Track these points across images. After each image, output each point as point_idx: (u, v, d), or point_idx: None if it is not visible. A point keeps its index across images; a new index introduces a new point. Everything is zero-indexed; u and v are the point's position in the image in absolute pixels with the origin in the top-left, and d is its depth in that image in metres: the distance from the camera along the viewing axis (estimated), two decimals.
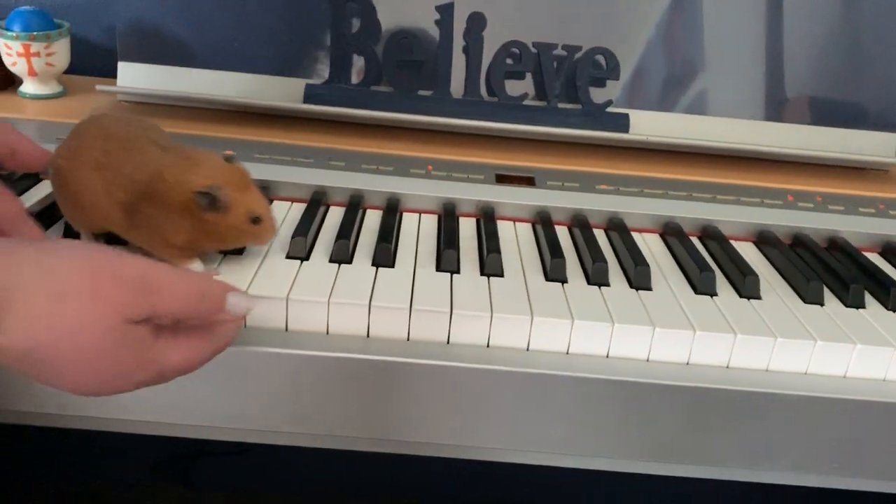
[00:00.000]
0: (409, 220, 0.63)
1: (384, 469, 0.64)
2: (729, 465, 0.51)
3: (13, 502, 0.69)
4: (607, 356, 0.50)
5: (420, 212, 0.65)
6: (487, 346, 0.50)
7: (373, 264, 0.54)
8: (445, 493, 0.67)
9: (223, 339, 0.42)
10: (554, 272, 0.55)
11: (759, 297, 0.55)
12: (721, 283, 0.57)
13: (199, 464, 0.68)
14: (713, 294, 0.55)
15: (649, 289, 0.55)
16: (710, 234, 0.64)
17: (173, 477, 0.68)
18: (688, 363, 0.50)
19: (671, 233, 0.64)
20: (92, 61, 0.81)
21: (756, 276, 0.56)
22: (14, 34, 0.74)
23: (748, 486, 0.56)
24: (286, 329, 0.49)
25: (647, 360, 0.50)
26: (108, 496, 0.69)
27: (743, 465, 0.51)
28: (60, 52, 0.77)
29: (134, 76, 0.74)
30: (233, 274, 0.50)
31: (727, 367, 0.50)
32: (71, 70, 0.79)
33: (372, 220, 0.61)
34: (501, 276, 0.54)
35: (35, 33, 0.74)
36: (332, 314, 0.48)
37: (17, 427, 0.55)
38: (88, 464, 0.69)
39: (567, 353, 0.50)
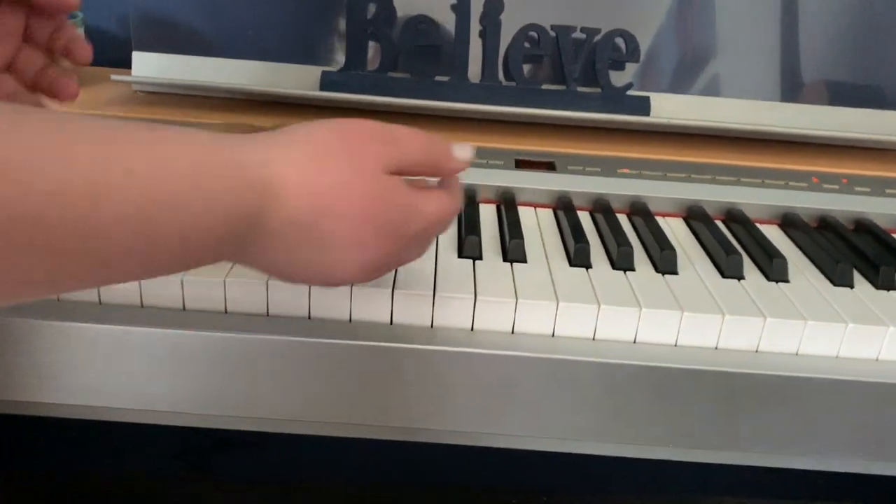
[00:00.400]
0: None
1: (406, 458, 0.64)
2: (758, 450, 0.51)
3: (34, 494, 0.69)
4: (634, 342, 0.49)
5: None
6: (512, 332, 0.49)
7: None
8: (469, 482, 0.66)
9: (456, 194, 0.43)
10: (578, 257, 0.54)
11: (787, 280, 0.54)
12: (748, 266, 0.56)
13: (221, 454, 0.68)
14: (740, 278, 0.54)
15: (675, 273, 0.54)
16: (735, 218, 0.63)
17: (195, 467, 0.68)
18: (716, 348, 0.49)
19: (695, 216, 0.63)
20: (106, 51, 0.80)
21: (784, 258, 0.55)
22: None
23: (778, 472, 0.56)
24: (309, 317, 0.48)
25: (675, 345, 0.49)
26: (129, 486, 0.69)
27: (773, 450, 0.50)
28: None
29: (149, 66, 0.73)
30: None
31: (756, 351, 0.49)
32: None
33: None
34: (524, 261, 0.54)
35: None
36: (355, 301, 0.48)
37: (38, 419, 0.55)
38: (109, 455, 0.69)
39: (593, 338, 0.49)
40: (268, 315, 0.48)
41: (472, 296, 0.48)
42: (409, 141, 0.40)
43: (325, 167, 0.36)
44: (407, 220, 0.39)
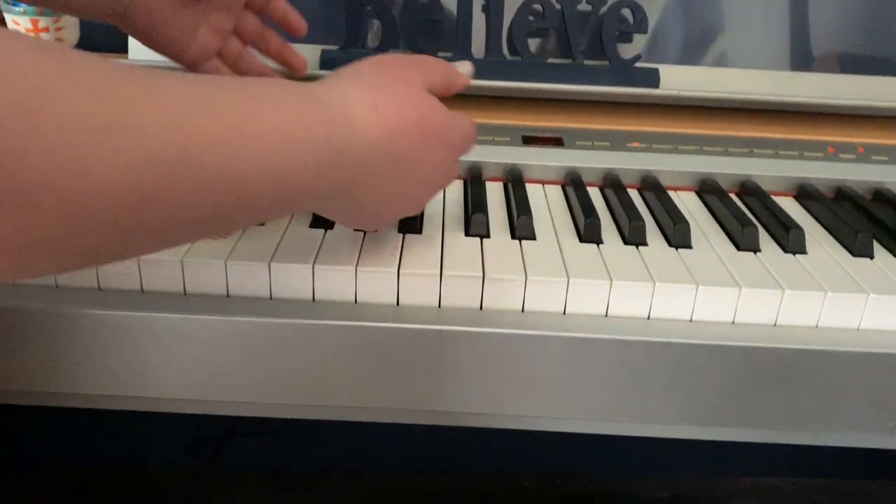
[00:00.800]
0: None
1: (418, 443, 0.63)
2: (778, 427, 0.49)
3: (42, 486, 0.68)
4: (648, 318, 0.48)
5: None
6: (522, 310, 0.48)
7: (399, 231, 0.52)
8: (480, 466, 0.65)
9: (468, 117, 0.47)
10: (588, 233, 0.52)
11: (804, 252, 0.53)
12: (764, 239, 0.54)
13: (232, 443, 0.67)
14: (756, 250, 0.53)
15: (689, 247, 0.52)
16: (749, 190, 0.62)
17: (206, 457, 0.67)
18: (733, 322, 0.48)
19: (708, 190, 0.61)
20: (102, 36, 0.79)
21: (801, 229, 0.53)
22: (21, 9, 0.72)
23: (799, 449, 0.54)
24: (313, 300, 0.47)
25: (691, 321, 0.48)
26: (139, 479, 0.69)
27: (793, 427, 0.49)
28: (69, 27, 0.75)
29: (145, 49, 0.72)
30: (255, 244, 0.48)
31: (775, 324, 0.48)
32: (80, 45, 0.77)
33: None
34: (533, 238, 0.52)
35: (43, 8, 0.72)
36: (360, 282, 0.47)
37: (45, 409, 0.54)
38: (119, 448, 0.68)
39: (606, 315, 0.48)
40: (271, 298, 0.47)
41: (481, 274, 0.47)
42: (430, 63, 0.45)
43: (383, 94, 0.40)
44: (451, 130, 0.44)
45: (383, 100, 0.40)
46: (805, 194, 0.62)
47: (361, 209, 0.42)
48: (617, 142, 0.66)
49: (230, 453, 0.67)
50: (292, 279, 0.47)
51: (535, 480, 0.65)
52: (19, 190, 0.25)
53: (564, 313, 0.48)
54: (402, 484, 0.66)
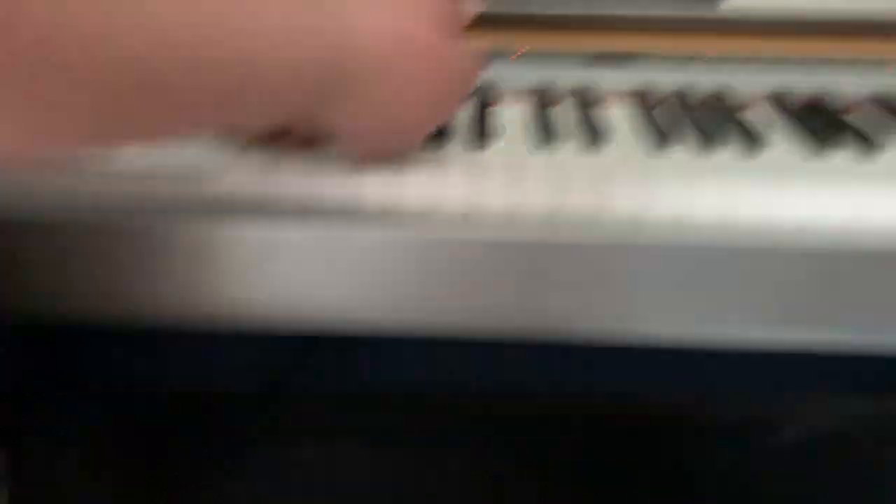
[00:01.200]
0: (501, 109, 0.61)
1: (496, 361, 0.63)
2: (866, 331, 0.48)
3: (107, 407, 0.68)
4: (726, 222, 0.47)
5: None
6: (602, 221, 0.47)
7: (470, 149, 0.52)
8: (560, 383, 0.65)
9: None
10: (661, 141, 0.52)
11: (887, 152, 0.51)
12: (843, 142, 0.53)
13: (309, 363, 0.67)
14: (836, 151, 0.51)
15: (763, 149, 0.52)
16: (827, 101, 0.60)
17: (277, 377, 0.67)
18: (811, 223, 0.47)
19: (783, 101, 0.60)
20: None
21: (883, 129, 0.52)
22: None
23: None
24: (390, 211, 0.48)
25: (769, 224, 0.47)
26: (205, 399, 0.68)
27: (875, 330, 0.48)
28: None
29: None
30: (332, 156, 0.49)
31: (856, 226, 0.47)
32: None
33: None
34: (608, 151, 0.52)
35: None
36: (436, 192, 0.47)
37: (112, 329, 0.53)
38: (186, 367, 0.67)
39: (681, 222, 0.47)
40: (353, 210, 0.47)
41: (558, 187, 0.47)
42: None
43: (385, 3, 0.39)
44: (456, 56, 0.43)
45: (386, 10, 0.39)
46: (885, 104, 0.61)
47: (359, 120, 0.42)
48: (684, 63, 0.65)
49: (307, 374, 0.67)
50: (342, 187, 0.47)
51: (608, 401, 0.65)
52: (13, 52, 0.25)
53: (644, 223, 0.47)
54: (475, 405, 0.66)
